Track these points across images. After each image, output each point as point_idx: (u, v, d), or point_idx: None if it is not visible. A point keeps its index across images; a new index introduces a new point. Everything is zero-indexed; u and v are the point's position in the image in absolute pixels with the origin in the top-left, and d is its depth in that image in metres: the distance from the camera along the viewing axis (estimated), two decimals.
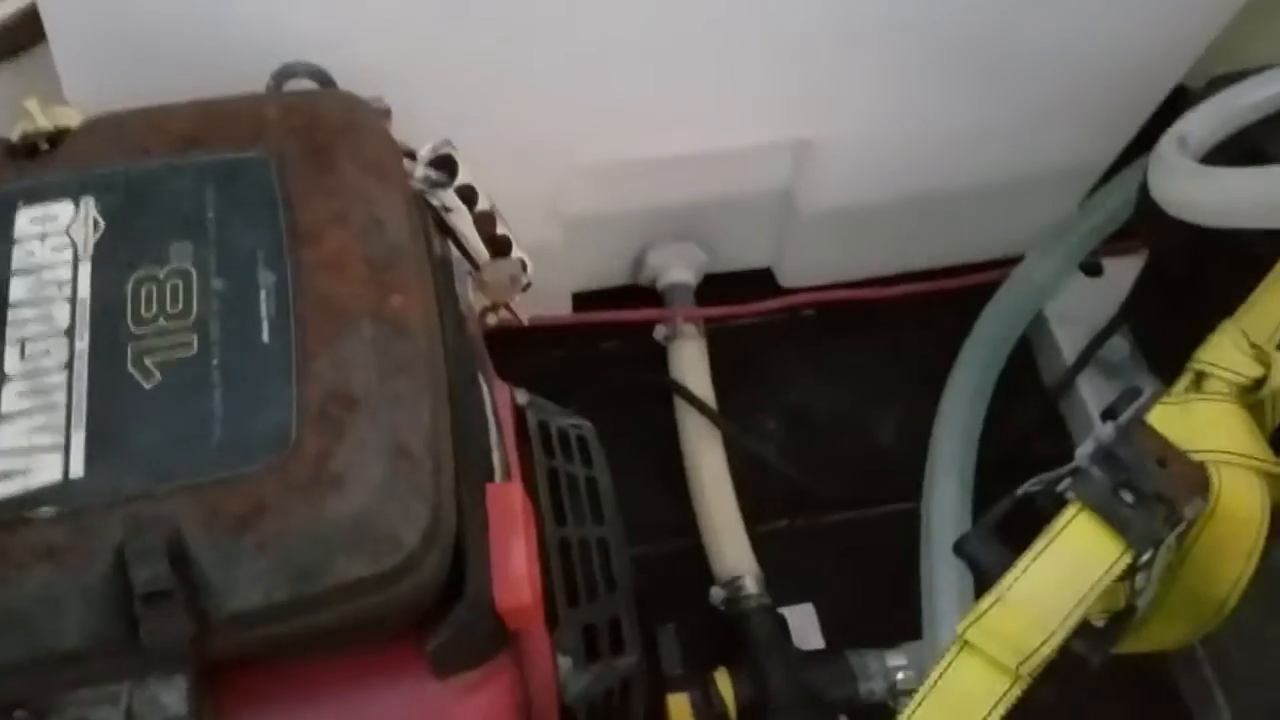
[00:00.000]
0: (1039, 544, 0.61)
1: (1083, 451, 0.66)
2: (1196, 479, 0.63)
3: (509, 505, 0.53)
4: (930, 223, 0.97)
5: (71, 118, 0.55)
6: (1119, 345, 0.94)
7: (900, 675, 0.81)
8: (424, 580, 0.45)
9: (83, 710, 0.46)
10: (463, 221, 0.64)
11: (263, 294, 0.48)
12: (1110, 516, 0.61)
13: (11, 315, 0.47)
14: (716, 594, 0.86)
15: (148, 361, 0.46)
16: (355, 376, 0.46)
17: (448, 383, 0.50)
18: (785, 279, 1.01)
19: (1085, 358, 0.94)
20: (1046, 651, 0.60)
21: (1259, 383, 0.66)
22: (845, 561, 0.92)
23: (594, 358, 1.00)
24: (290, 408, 0.45)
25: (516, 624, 0.52)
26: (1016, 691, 0.59)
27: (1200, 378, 0.68)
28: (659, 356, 0.98)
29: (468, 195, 0.64)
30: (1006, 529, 0.64)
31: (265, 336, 0.47)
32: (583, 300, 1.00)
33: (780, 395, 0.99)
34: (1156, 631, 0.71)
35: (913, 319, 1.00)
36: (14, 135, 0.55)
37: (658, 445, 0.94)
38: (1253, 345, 0.67)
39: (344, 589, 0.43)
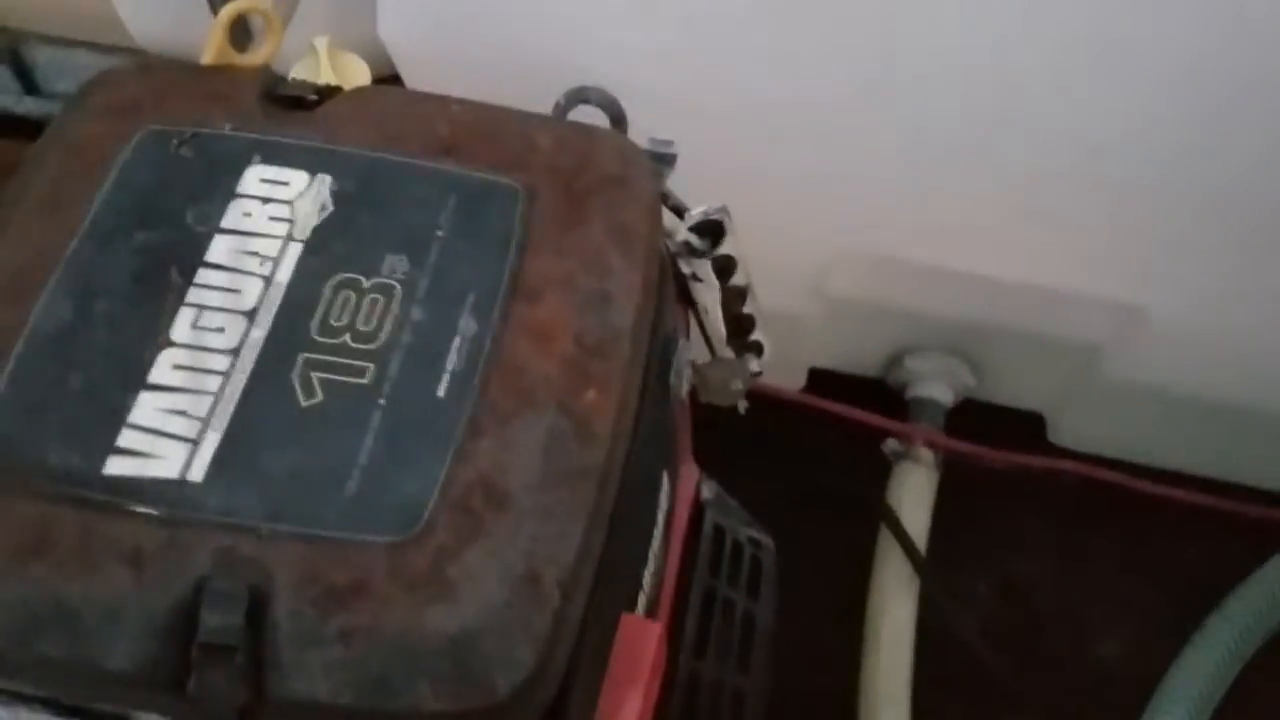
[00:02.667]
0: None
1: None
2: None
3: (641, 650, 0.46)
4: (1243, 433, 0.83)
5: (358, 75, 0.51)
6: None
7: None
8: None
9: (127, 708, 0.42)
10: (709, 296, 0.57)
11: (457, 341, 0.42)
12: None
13: (201, 276, 0.43)
14: None
15: (315, 377, 0.41)
16: (516, 471, 0.40)
17: (619, 495, 0.43)
18: (1059, 434, 0.89)
19: None
20: None
21: None
22: None
23: (807, 446, 0.91)
24: (435, 483, 0.39)
25: None
26: None
27: None
28: (880, 471, 0.88)
29: (725, 267, 0.57)
30: None
31: (441, 391, 0.41)
32: (819, 377, 0.91)
33: (1002, 563, 0.88)
34: None
35: (1186, 529, 0.86)
36: (291, 73, 0.51)
37: (841, 570, 0.84)
38: None
39: (415, 718, 0.37)
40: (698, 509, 0.61)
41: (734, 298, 0.59)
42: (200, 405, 0.40)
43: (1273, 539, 0.82)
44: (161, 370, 0.41)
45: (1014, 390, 0.90)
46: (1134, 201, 0.70)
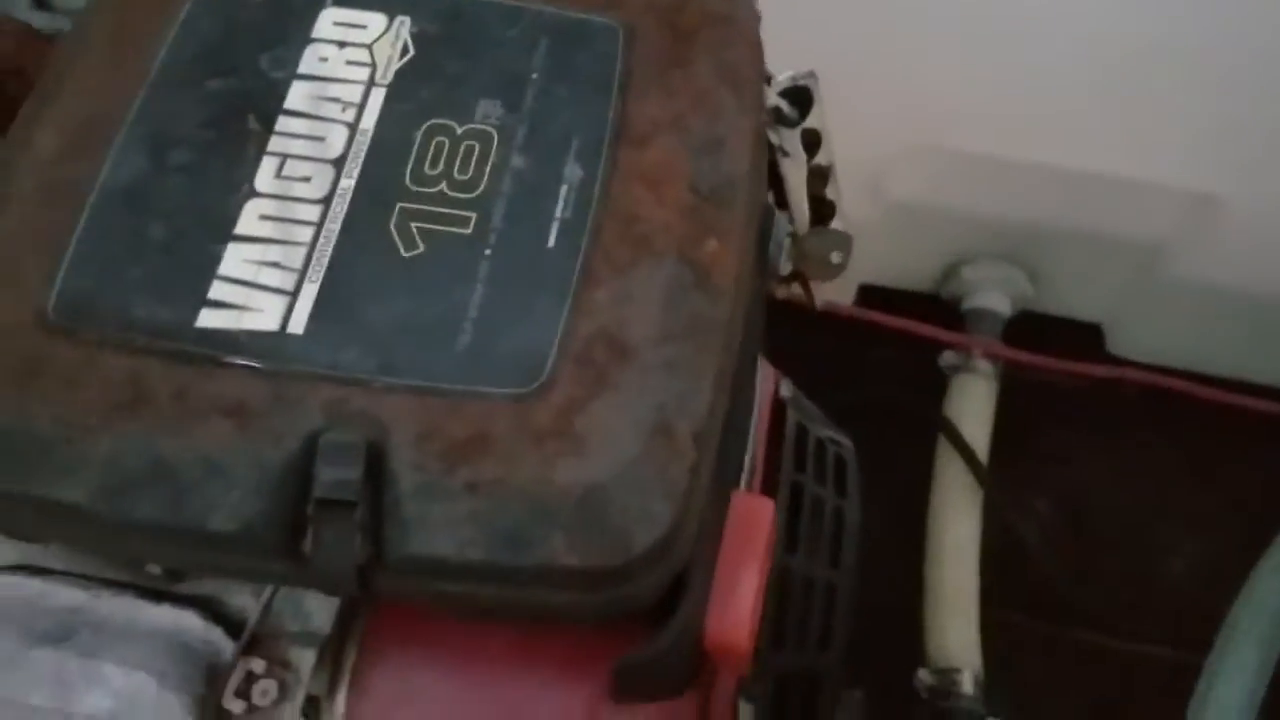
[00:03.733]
0: None
1: None
2: None
3: (756, 527, 0.43)
4: None
5: None
6: None
7: None
8: (639, 593, 0.36)
9: (219, 587, 0.40)
10: (796, 172, 0.54)
11: (564, 190, 0.39)
12: None
13: (281, 124, 0.40)
14: (924, 679, 0.74)
15: (414, 227, 0.38)
16: (638, 322, 0.37)
17: (738, 349, 0.40)
18: (1116, 345, 0.87)
19: None
20: None
21: None
22: (1081, 692, 0.78)
23: (863, 363, 0.88)
24: (554, 335, 0.36)
25: (723, 665, 0.43)
26: None
27: None
28: (938, 386, 0.85)
29: (811, 142, 0.54)
30: None
31: (551, 241, 0.38)
32: (869, 294, 0.88)
33: (1063, 476, 0.86)
34: None
35: (1251, 440, 0.83)
36: None
37: (903, 485, 0.82)
38: None
39: (546, 573, 0.34)
40: (778, 406, 0.58)
41: (817, 178, 0.56)
42: (294, 256, 0.37)
43: None
44: (249, 221, 0.38)
45: (1072, 299, 0.87)
46: (1206, 79, 0.67)
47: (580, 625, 0.41)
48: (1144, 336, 0.87)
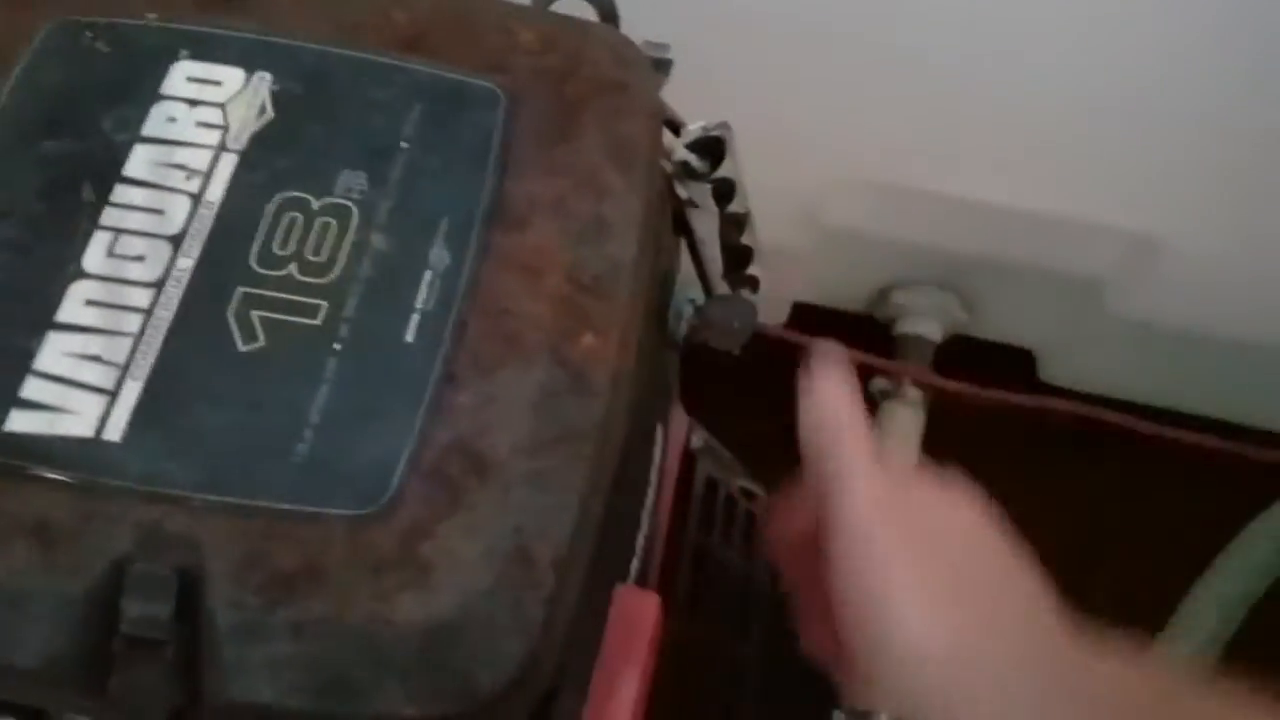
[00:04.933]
0: None
1: None
2: None
3: (638, 626, 0.40)
4: (1244, 373, 0.80)
5: None
6: None
7: None
8: None
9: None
10: (706, 225, 0.51)
11: (427, 277, 0.35)
12: None
13: (117, 194, 0.36)
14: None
15: (255, 316, 0.34)
16: (501, 432, 0.34)
17: (618, 452, 0.37)
18: (1049, 372, 0.85)
19: None
20: None
21: None
22: None
23: (790, 385, 0.85)
24: (404, 447, 0.33)
25: None
26: None
27: None
28: (870, 407, 0.83)
29: (723, 192, 0.51)
30: None
31: (409, 335, 0.35)
32: (802, 312, 0.86)
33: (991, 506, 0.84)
34: None
35: (1182, 472, 0.82)
36: None
37: None
38: None
39: None
40: (688, 460, 0.56)
41: (732, 226, 0.53)
42: (118, 349, 0.34)
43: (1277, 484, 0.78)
44: (72, 307, 0.34)
45: (1006, 326, 0.85)
46: (1146, 125, 0.65)
47: None
48: (1076, 366, 0.85)
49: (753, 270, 0.55)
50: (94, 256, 0.35)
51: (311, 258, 0.35)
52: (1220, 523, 0.80)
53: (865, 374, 0.83)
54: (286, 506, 0.32)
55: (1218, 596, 0.77)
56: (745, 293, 0.55)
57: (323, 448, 0.33)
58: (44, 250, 0.35)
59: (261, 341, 0.34)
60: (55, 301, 0.34)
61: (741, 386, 0.73)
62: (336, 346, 0.34)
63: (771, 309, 0.85)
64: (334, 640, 0.31)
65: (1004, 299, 0.83)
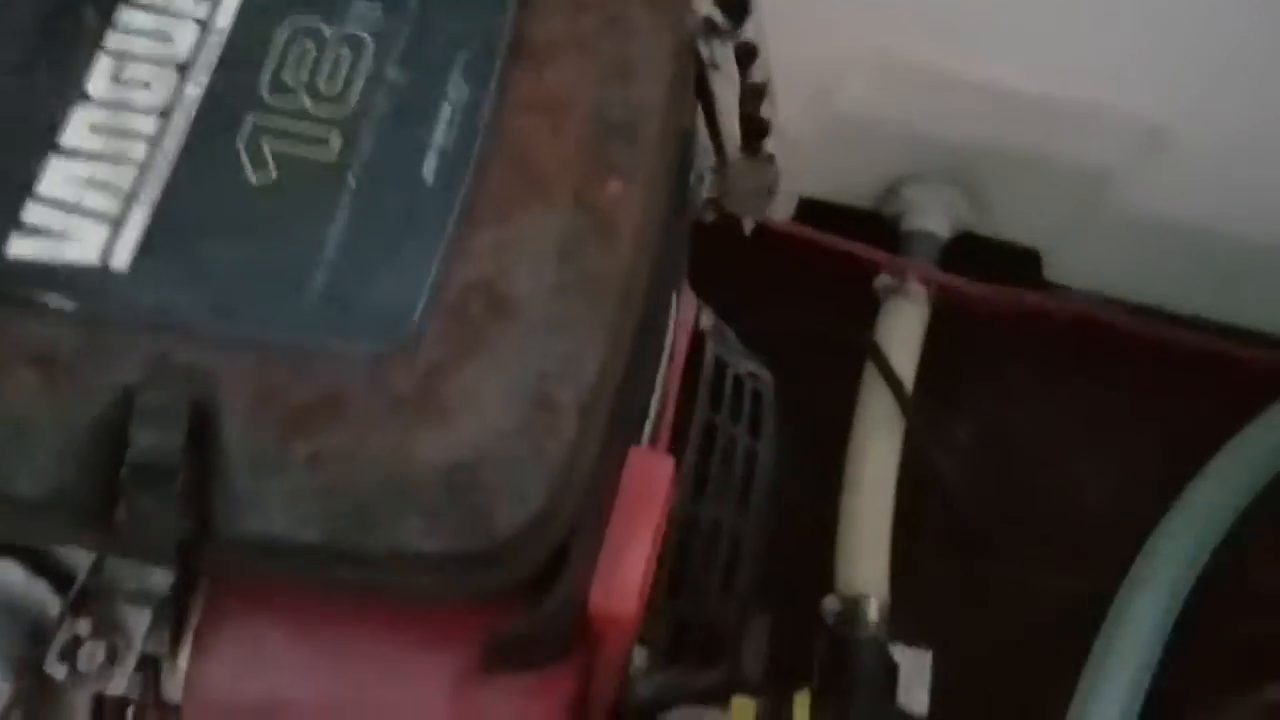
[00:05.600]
0: None
1: None
2: None
3: (652, 488, 0.40)
4: (1251, 270, 0.79)
5: None
6: None
7: None
8: (509, 576, 0.33)
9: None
10: (727, 88, 0.49)
11: (446, 111, 0.34)
12: None
13: (121, 16, 0.34)
14: (831, 605, 0.73)
15: (267, 146, 0.33)
16: (524, 275, 0.32)
17: (640, 305, 0.36)
18: (1054, 270, 0.84)
19: None
20: None
21: None
22: (989, 622, 0.77)
23: (793, 282, 0.84)
24: (424, 285, 0.32)
25: (607, 636, 0.40)
26: None
27: None
28: (869, 308, 0.82)
29: (746, 55, 0.49)
30: None
31: (427, 173, 0.33)
32: (808, 208, 0.84)
33: (987, 407, 0.83)
34: None
35: (1183, 375, 0.81)
36: None
37: (824, 410, 0.79)
38: None
39: (399, 557, 0.30)
40: (696, 338, 0.55)
41: (751, 95, 0.51)
42: (123, 176, 0.32)
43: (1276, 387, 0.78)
44: (76, 132, 0.33)
45: (1012, 224, 0.84)
46: (1160, 8, 0.63)
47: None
48: (1083, 264, 0.84)
49: (770, 148, 0.54)
50: (98, 81, 0.33)
51: (324, 90, 0.34)
52: (1220, 425, 0.80)
53: (870, 269, 0.82)
54: (302, 341, 0.31)
55: (1210, 498, 0.78)
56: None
57: (339, 283, 0.32)
58: (44, 73, 0.33)
59: (274, 174, 0.33)
60: (58, 126, 0.33)
61: (748, 280, 0.72)
62: (351, 182, 0.33)
63: (778, 203, 0.83)
64: (352, 473, 0.30)
65: (1011, 194, 0.81)
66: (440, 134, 0.34)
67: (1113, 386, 0.84)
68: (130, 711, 0.38)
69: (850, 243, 0.81)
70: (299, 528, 0.30)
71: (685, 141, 0.44)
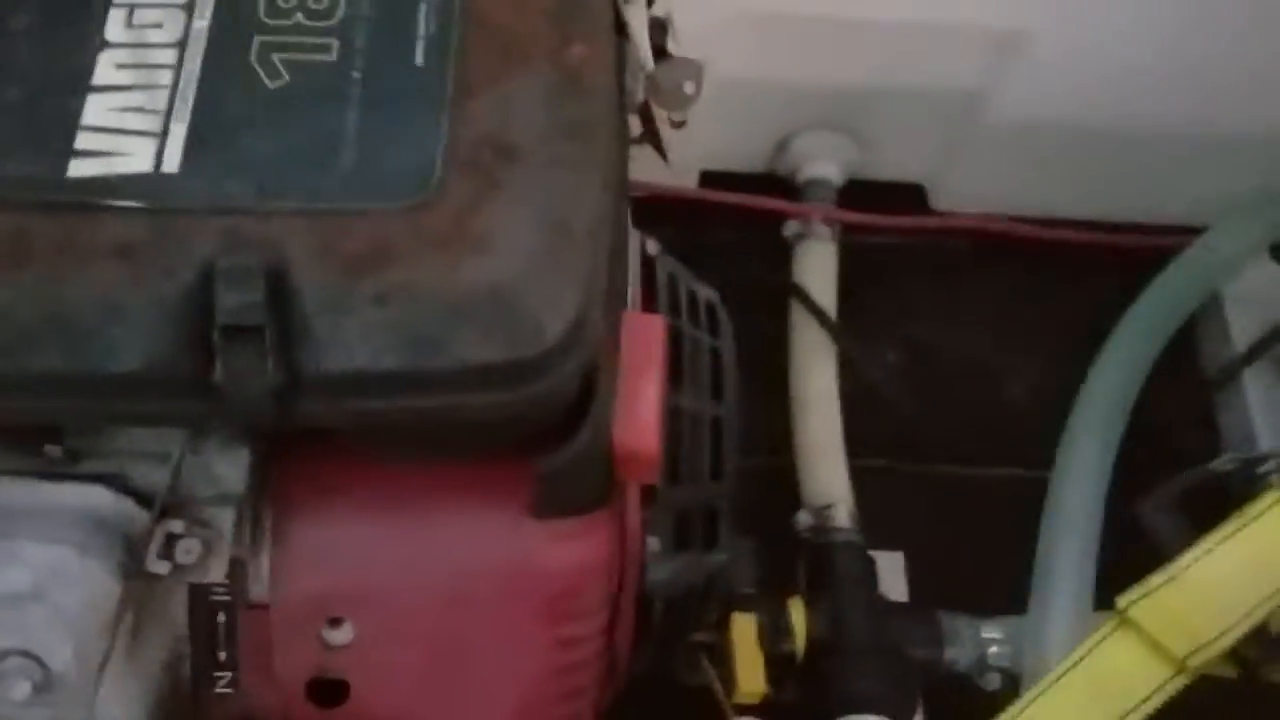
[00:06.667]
0: (1229, 526, 0.53)
1: None
2: None
3: (649, 340, 0.44)
4: (1121, 165, 0.87)
5: None
6: None
7: (993, 649, 0.72)
8: (558, 386, 0.37)
9: (124, 463, 0.38)
10: (636, 15, 0.55)
11: (423, 8, 0.39)
12: None
13: None
14: (803, 519, 0.77)
15: (276, 59, 0.38)
16: (519, 126, 0.37)
17: (617, 151, 0.41)
18: (940, 199, 0.91)
19: (1260, 349, 0.83)
20: (1219, 646, 0.51)
21: None
22: (946, 518, 0.83)
23: (710, 245, 0.90)
24: (437, 146, 0.37)
25: (633, 475, 0.44)
26: (1178, 684, 0.51)
27: None
28: (783, 256, 0.88)
29: None
30: None
31: (419, 58, 0.38)
32: (708, 180, 0.91)
33: (907, 326, 0.89)
34: None
35: (1074, 271, 0.89)
36: None
37: (763, 353, 0.84)
38: None
39: (467, 372, 0.35)
40: (647, 264, 0.60)
41: (656, 29, 0.57)
42: (157, 99, 0.36)
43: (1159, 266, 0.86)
44: (105, 71, 0.37)
45: (896, 159, 0.91)
46: None
47: (493, 454, 0.41)
48: (964, 190, 0.91)
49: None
50: (115, 28, 0.38)
51: (314, 5, 0.39)
52: (1117, 308, 0.87)
53: (777, 219, 0.89)
54: (344, 205, 0.35)
55: (1115, 370, 0.84)
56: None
57: (364, 155, 0.36)
58: (66, 30, 0.37)
59: (286, 78, 0.37)
60: (89, 69, 0.37)
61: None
62: (356, 75, 0.38)
63: (680, 180, 0.89)
64: (413, 303, 0.34)
65: (891, 131, 0.88)
66: (422, 24, 0.39)
67: (1015, 290, 0.91)
68: (221, 616, 0.41)
69: (754, 198, 0.88)
70: (377, 358, 0.34)
71: (620, 54, 0.49)
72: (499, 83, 0.38)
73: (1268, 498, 0.53)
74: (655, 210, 0.75)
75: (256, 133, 0.36)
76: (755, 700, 0.63)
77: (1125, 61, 0.77)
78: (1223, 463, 0.58)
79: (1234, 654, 0.54)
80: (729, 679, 0.64)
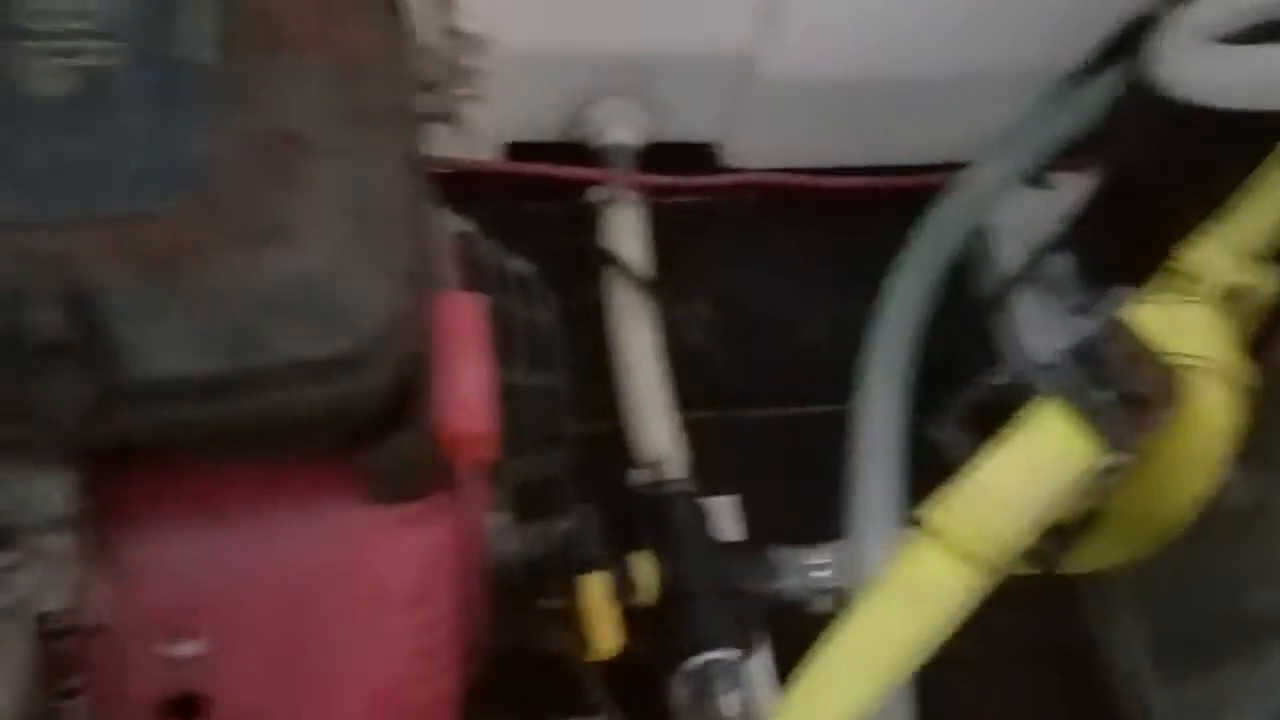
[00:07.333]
0: (1009, 433, 0.58)
1: (1060, 347, 0.63)
2: (1172, 383, 0.60)
3: (465, 320, 0.45)
4: (889, 113, 0.92)
5: None
6: (1059, 262, 0.91)
7: (821, 574, 0.77)
8: (379, 377, 0.37)
9: None
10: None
11: (193, 1, 0.38)
12: (1086, 413, 0.58)
13: None
14: (638, 476, 0.80)
15: (39, 65, 0.36)
16: (303, 114, 0.37)
17: (414, 133, 0.41)
18: (729, 157, 0.95)
19: (1026, 271, 0.90)
20: (1015, 544, 0.56)
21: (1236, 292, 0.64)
22: (768, 459, 0.87)
23: (519, 217, 0.91)
24: (223, 140, 0.36)
25: (466, 455, 0.45)
26: (984, 583, 0.55)
27: (1179, 280, 0.65)
28: (590, 223, 0.90)
29: None
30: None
31: (189, 51, 0.37)
32: (514, 152, 0.92)
33: (713, 281, 0.93)
34: (1100, 547, 0.69)
35: (856, 215, 0.94)
36: None
37: (581, 320, 0.86)
38: (1234, 253, 0.65)
39: (285, 370, 0.34)
40: (459, 241, 0.60)
41: (439, 4, 0.57)
42: None
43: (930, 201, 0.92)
44: None
45: (685, 121, 0.94)
46: None
47: (322, 453, 0.41)
48: (750, 146, 0.95)
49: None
50: None
51: (80, 6, 0.37)
52: (899, 246, 0.92)
53: (580, 186, 0.90)
54: (135, 208, 0.35)
55: (900, 302, 0.89)
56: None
57: (148, 155, 0.35)
58: None
59: (55, 84, 0.36)
60: None
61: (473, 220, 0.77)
62: (124, 74, 0.37)
63: (484, 150, 0.90)
64: (221, 301, 0.34)
65: (676, 94, 0.91)
66: (195, 20, 0.38)
67: (804, 238, 0.96)
68: (64, 643, 0.40)
69: (558, 167, 0.89)
70: (193, 361, 0.33)
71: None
72: (279, 73, 0.38)
73: (1037, 405, 0.58)
74: (461, 187, 0.75)
75: (32, 142, 0.35)
76: (611, 656, 0.65)
77: (876, 13, 0.82)
78: (997, 377, 0.62)
79: (1034, 552, 0.59)
80: (583, 640, 0.66)
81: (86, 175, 0.35)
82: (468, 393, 0.44)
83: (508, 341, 0.58)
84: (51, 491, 0.37)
